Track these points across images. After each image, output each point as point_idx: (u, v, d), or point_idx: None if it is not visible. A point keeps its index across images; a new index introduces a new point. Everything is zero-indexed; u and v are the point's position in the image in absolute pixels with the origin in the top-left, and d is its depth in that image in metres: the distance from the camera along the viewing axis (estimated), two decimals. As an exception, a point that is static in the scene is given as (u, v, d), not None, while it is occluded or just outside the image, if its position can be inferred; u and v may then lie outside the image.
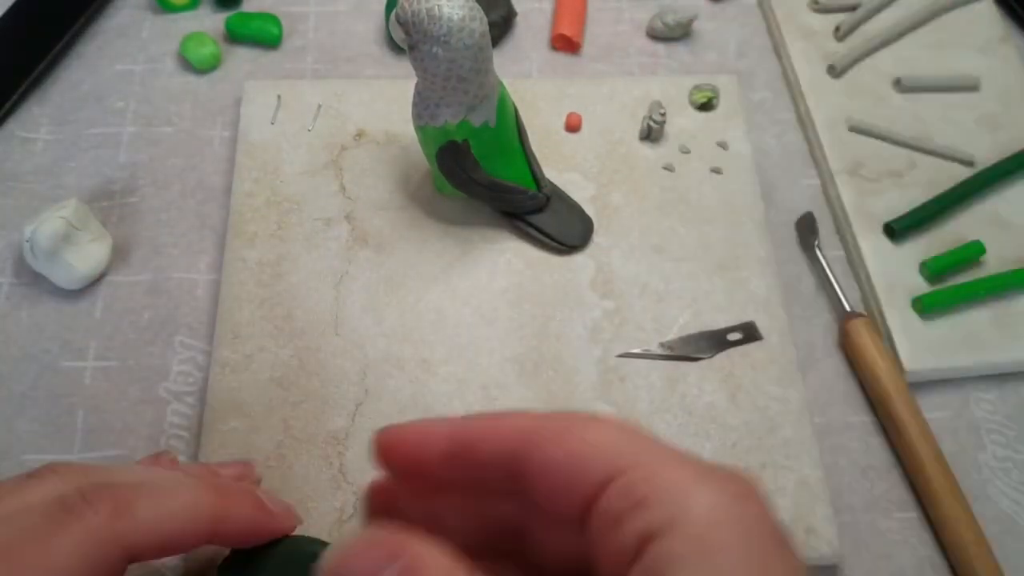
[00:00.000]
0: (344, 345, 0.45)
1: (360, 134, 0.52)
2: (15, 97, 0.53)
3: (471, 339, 0.46)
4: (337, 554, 0.22)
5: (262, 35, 0.56)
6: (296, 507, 0.41)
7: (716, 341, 0.46)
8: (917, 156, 0.53)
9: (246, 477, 0.39)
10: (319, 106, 0.53)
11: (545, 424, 0.24)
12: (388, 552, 0.22)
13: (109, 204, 0.50)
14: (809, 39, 0.58)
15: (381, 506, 0.28)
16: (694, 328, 0.46)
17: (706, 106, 0.54)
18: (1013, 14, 0.61)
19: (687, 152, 0.52)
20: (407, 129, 0.46)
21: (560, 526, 0.24)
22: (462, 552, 0.22)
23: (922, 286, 0.48)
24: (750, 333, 0.46)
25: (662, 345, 0.46)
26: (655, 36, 0.59)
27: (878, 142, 0.53)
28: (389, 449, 0.26)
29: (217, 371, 0.44)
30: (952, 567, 0.42)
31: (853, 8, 0.59)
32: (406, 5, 0.40)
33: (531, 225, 0.48)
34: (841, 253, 0.51)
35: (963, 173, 0.52)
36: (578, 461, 0.23)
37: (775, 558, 0.21)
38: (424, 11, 0.39)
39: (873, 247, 0.49)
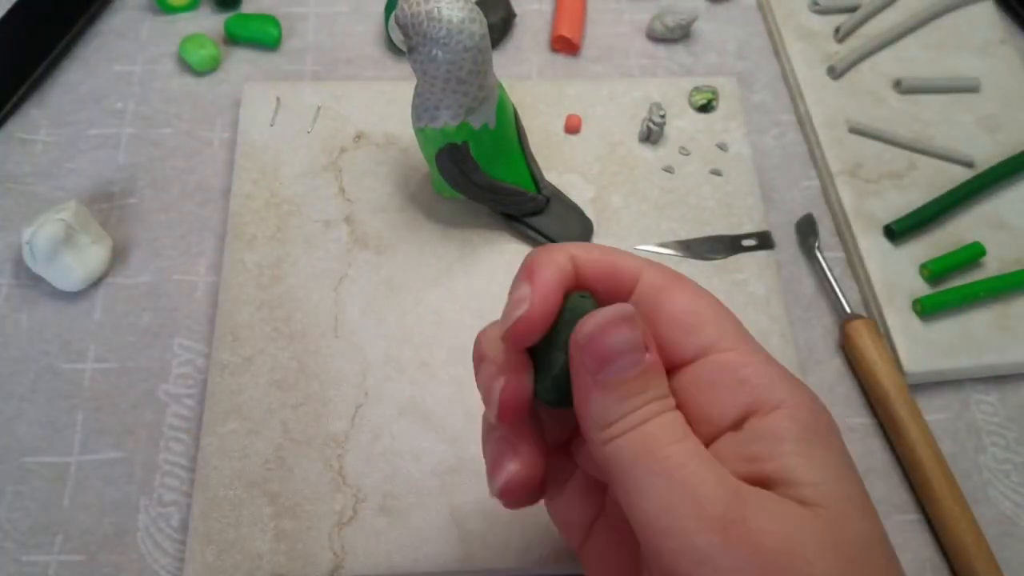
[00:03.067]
0: (344, 347, 0.45)
1: (359, 136, 0.52)
2: (15, 99, 0.53)
3: (471, 341, 0.45)
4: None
5: (261, 37, 0.56)
6: (295, 510, 0.41)
7: (730, 245, 0.48)
8: (917, 157, 0.53)
9: None
10: (318, 108, 0.53)
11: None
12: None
13: (108, 206, 0.50)
14: (809, 40, 0.58)
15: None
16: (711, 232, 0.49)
17: (706, 107, 0.54)
18: (1013, 15, 0.61)
19: (687, 154, 0.52)
20: (406, 131, 0.46)
21: None
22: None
23: (922, 288, 0.48)
24: (764, 240, 0.48)
25: (679, 243, 0.47)
26: (655, 37, 0.59)
27: (878, 143, 0.53)
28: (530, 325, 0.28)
29: (216, 373, 0.44)
30: (952, 569, 0.42)
31: (853, 9, 0.59)
32: (405, 7, 0.40)
33: (531, 227, 0.48)
34: (841, 255, 0.51)
35: (963, 174, 0.52)
36: (676, 329, 0.27)
37: (849, 458, 0.26)
38: (424, 13, 0.39)
39: (873, 249, 0.49)
